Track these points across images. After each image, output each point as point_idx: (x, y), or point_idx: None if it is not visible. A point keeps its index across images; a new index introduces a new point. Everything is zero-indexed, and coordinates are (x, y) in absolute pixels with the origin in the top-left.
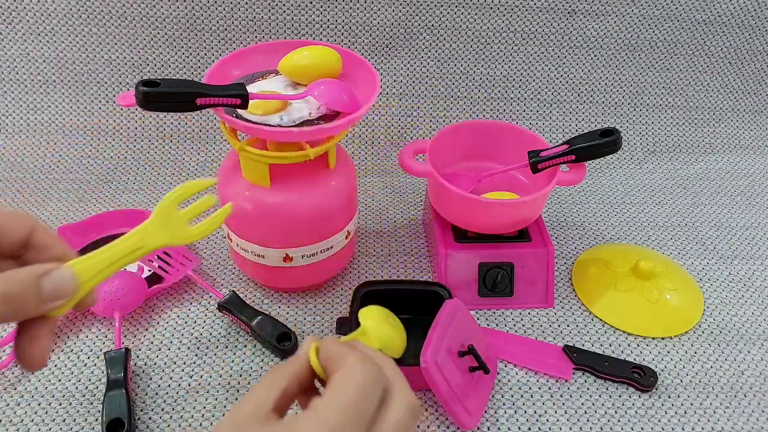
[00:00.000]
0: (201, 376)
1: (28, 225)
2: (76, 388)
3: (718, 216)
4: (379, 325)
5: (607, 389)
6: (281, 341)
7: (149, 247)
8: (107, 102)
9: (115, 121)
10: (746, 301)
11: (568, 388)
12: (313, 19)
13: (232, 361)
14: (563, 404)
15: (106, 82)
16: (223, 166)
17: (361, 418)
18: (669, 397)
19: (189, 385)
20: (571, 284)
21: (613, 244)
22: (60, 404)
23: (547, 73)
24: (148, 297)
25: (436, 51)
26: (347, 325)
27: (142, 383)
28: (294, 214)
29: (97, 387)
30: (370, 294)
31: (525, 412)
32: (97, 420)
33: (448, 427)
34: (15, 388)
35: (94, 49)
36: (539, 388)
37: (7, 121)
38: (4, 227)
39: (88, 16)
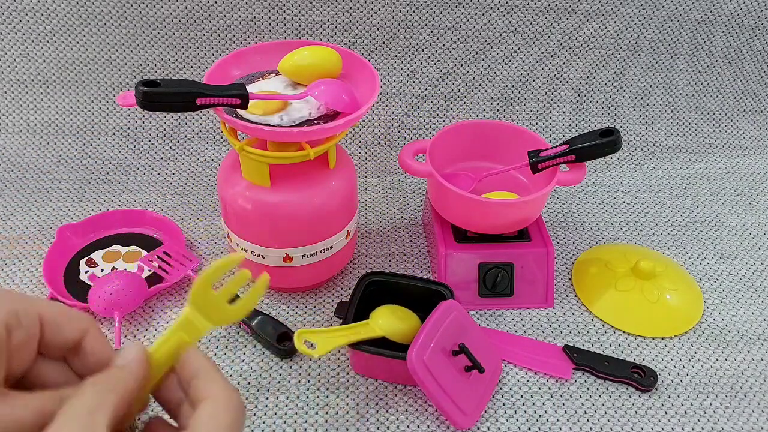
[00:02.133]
0: None
1: (82, 328)
2: None
3: (718, 216)
4: (385, 317)
5: (607, 389)
6: (281, 341)
7: (194, 339)
8: (107, 102)
9: (115, 121)
10: (746, 301)
11: (568, 388)
12: (313, 19)
13: (232, 361)
14: (563, 404)
15: (106, 82)
16: (223, 166)
17: None
18: (669, 397)
19: None
20: (571, 284)
21: (613, 244)
22: None
23: (547, 73)
24: (148, 297)
25: (436, 51)
26: (346, 309)
27: None
28: (294, 214)
29: None
30: (374, 284)
31: (525, 412)
32: None
33: (448, 427)
34: None
35: (94, 49)
36: (539, 388)
37: (7, 121)
38: (58, 326)
39: (88, 16)
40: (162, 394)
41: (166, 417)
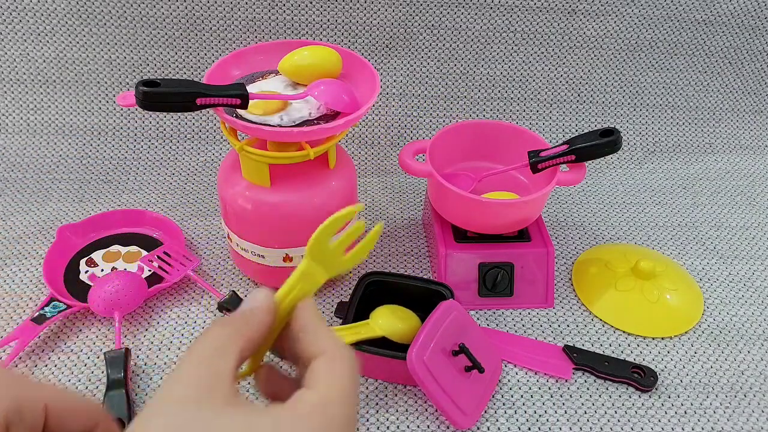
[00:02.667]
0: None
1: (89, 423)
2: (76, 388)
3: (718, 216)
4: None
5: (607, 389)
6: None
7: (313, 289)
8: (107, 102)
9: (115, 121)
10: (746, 301)
11: (568, 388)
12: (313, 19)
13: None
14: (563, 404)
15: (106, 82)
16: (223, 166)
17: (355, 412)
18: (669, 397)
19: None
20: (571, 284)
21: (613, 244)
22: None
23: (547, 73)
24: (148, 297)
25: (436, 51)
26: (346, 310)
27: (142, 383)
28: (294, 214)
29: (97, 387)
30: (374, 284)
31: (525, 412)
32: None
33: (448, 427)
34: None
35: (94, 49)
36: (539, 388)
37: (7, 121)
38: (63, 420)
39: (88, 16)
40: (276, 346)
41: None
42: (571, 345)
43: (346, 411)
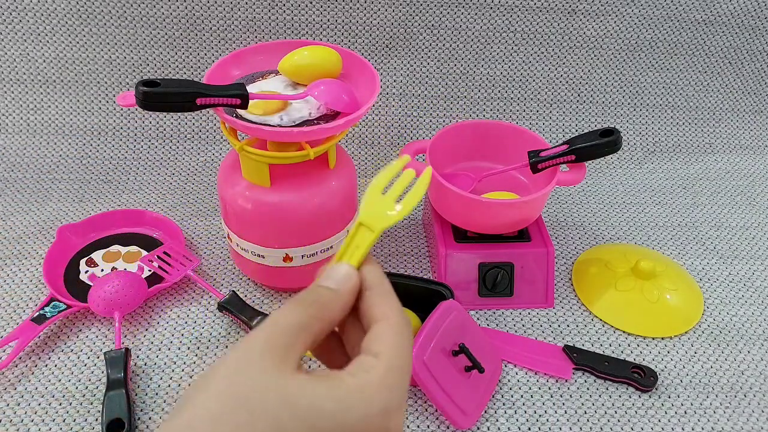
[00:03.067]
0: None
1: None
2: (76, 388)
3: (718, 216)
4: None
5: (607, 389)
6: None
7: (370, 245)
8: (107, 102)
9: (115, 121)
10: (746, 301)
11: (568, 388)
12: (313, 19)
13: None
14: (563, 404)
15: (106, 82)
16: (223, 166)
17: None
18: (669, 397)
19: (189, 385)
20: (571, 284)
21: (613, 244)
22: (60, 404)
23: (547, 73)
24: (148, 297)
25: (436, 51)
26: None
27: (142, 383)
28: (294, 214)
29: (97, 387)
30: None
31: (525, 412)
32: (97, 420)
33: (448, 427)
34: (15, 388)
35: (94, 49)
36: (539, 388)
37: (7, 121)
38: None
39: (88, 16)
40: None
41: None
42: (571, 345)
43: (405, 381)
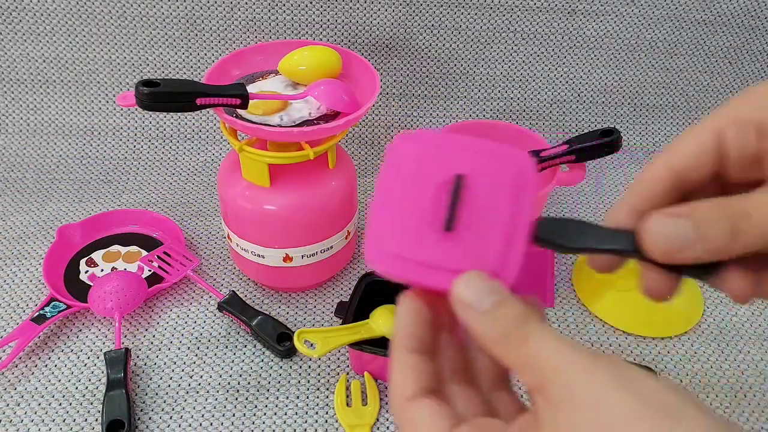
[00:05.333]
0: (201, 376)
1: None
2: (76, 388)
3: None
4: (385, 317)
5: None
6: (281, 341)
7: None
8: (107, 102)
9: (115, 121)
10: None
11: None
12: (313, 19)
13: (232, 361)
14: None
15: (106, 82)
16: (223, 166)
17: None
18: None
19: (189, 385)
20: (571, 284)
21: None
22: (60, 404)
23: (547, 73)
24: (148, 297)
25: (436, 51)
26: (346, 309)
27: (142, 383)
28: (294, 214)
29: (97, 387)
30: (374, 284)
31: None
32: (97, 420)
33: None
34: (15, 388)
35: (94, 49)
36: None
37: (7, 121)
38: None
39: (88, 16)
40: None
41: None
42: None
43: None
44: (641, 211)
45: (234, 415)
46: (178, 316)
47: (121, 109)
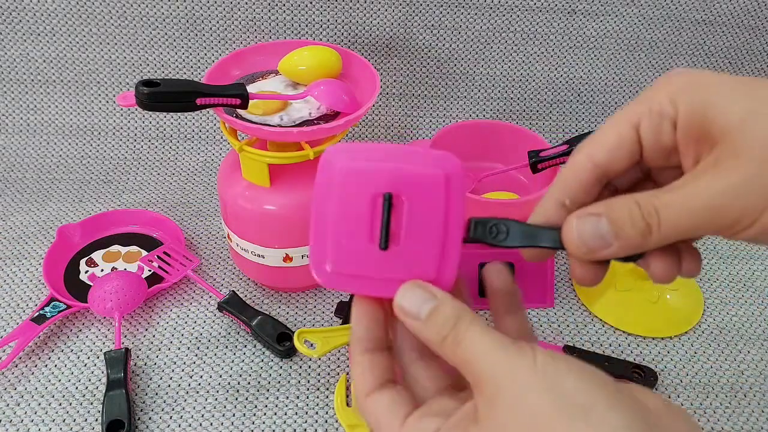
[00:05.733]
0: (201, 376)
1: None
2: (76, 388)
3: None
4: None
5: None
6: (281, 341)
7: None
8: (107, 102)
9: (115, 121)
10: (746, 301)
11: None
12: (313, 19)
13: (232, 361)
14: None
15: (106, 82)
16: (223, 166)
17: None
18: (669, 397)
19: (189, 385)
20: (571, 284)
21: None
22: (60, 404)
23: (547, 73)
24: (148, 297)
25: (436, 51)
26: (346, 309)
27: (142, 383)
28: (294, 214)
29: (97, 387)
30: None
31: None
32: (97, 420)
33: None
34: (15, 388)
35: (94, 49)
36: None
37: (7, 121)
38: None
39: (88, 16)
40: None
41: None
42: (571, 345)
43: None
44: (566, 203)
45: (234, 415)
46: (178, 316)
47: (121, 109)
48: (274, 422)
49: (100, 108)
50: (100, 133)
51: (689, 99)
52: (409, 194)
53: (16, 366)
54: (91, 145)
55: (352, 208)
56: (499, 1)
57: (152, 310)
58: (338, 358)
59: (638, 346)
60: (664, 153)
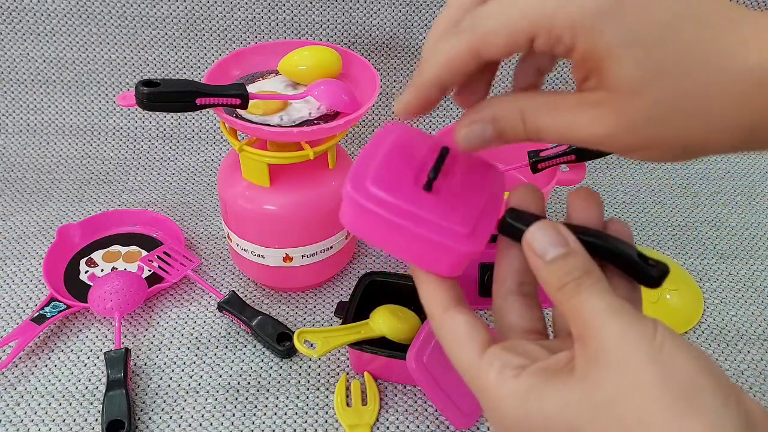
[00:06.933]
0: (201, 376)
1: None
2: (76, 388)
3: (718, 216)
4: (385, 317)
5: None
6: (281, 341)
7: None
8: (107, 102)
9: (115, 121)
10: (746, 301)
11: None
12: (313, 19)
13: (232, 361)
14: None
15: (106, 82)
16: (223, 166)
17: None
18: None
19: (189, 385)
20: None
21: None
22: (60, 404)
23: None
24: (148, 297)
25: None
26: (346, 309)
27: (142, 383)
28: (294, 214)
29: (97, 387)
30: (374, 284)
31: None
32: (97, 420)
33: (447, 427)
34: (15, 388)
35: (94, 49)
36: None
37: (7, 121)
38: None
39: (88, 16)
40: None
41: None
42: None
43: None
44: (447, 85)
45: (234, 415)
46: (178, 316)
47: (121, 109)
48: (274, 422)
49: (100, 108)
50: (100, 133)
51: (589, 41)
52: (463, 162)
53: (16, 366)
54: (91, 145)
55: (409, 150)
56: None
57: (152, 310)
58: (338, 358)
59: None
60: (552, 60)
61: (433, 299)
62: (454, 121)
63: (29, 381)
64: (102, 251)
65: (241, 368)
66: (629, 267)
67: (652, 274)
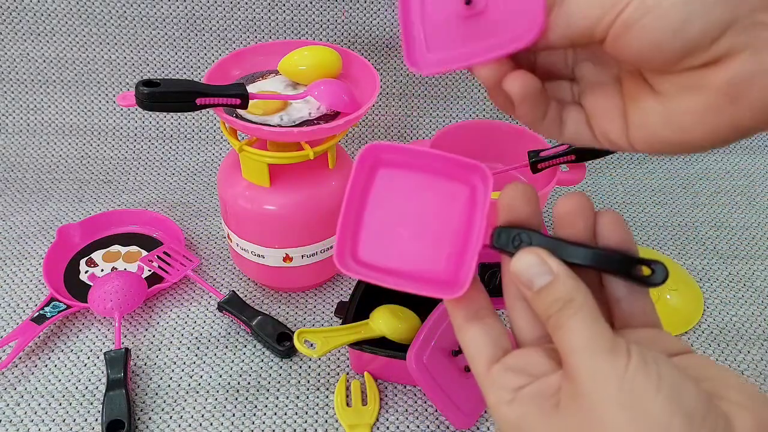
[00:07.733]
0: (201, 376)
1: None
2: (76, 388)
3: (718, 216)
4: (385, 317)
5: None
6: (281, 341)
7: None
8: (107, 102)
9: (115, 121)
10: (746, 301)
11: None
12: (313, 19)
13: (232, 361)
14: None
15: (106, 82)
16: (223, 166)
17: None
18: None
19: (189, 385)
20: None
21: None
22: (60, 404)
23: None
24: (148, 297)
25: None
26: (346, 309)
27: (142, 383)
28: (294, 214)
29: (97, 387)
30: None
31: None
32: (97, 420)
33: (447, 427)
34: (15, 388)
35: (94, 49)
36: None
37: (7, 121)
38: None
39: (88, 16)
40: None
41: None
42: None
43: None
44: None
45: (234, 415)
46: (178, 316)
47: (121, 109)
48: (274, 422)
49: (100, 108)
50: (100, 133)
51: None
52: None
53: (16, 366)
54: (91, 145)
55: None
56: None
57: (152, 310)
58: (338, 358)
59: None
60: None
61: (452, 312)
62: (446, 124)
63: (29, 381)
64: (102, 251)
65: (241, 368)
66: (620, 275)
67: (642, 278)
